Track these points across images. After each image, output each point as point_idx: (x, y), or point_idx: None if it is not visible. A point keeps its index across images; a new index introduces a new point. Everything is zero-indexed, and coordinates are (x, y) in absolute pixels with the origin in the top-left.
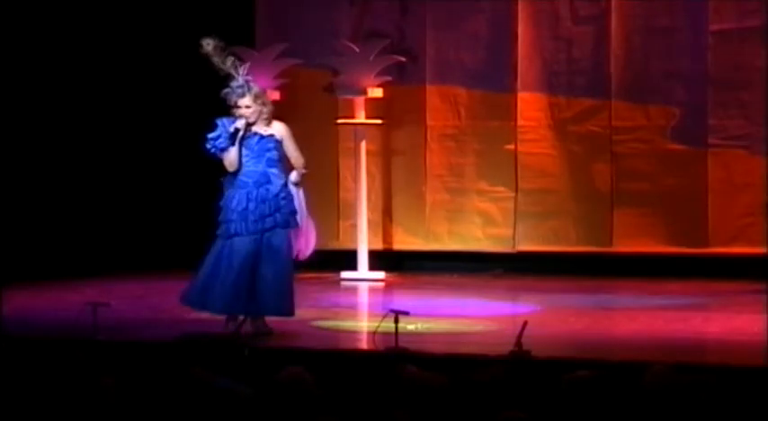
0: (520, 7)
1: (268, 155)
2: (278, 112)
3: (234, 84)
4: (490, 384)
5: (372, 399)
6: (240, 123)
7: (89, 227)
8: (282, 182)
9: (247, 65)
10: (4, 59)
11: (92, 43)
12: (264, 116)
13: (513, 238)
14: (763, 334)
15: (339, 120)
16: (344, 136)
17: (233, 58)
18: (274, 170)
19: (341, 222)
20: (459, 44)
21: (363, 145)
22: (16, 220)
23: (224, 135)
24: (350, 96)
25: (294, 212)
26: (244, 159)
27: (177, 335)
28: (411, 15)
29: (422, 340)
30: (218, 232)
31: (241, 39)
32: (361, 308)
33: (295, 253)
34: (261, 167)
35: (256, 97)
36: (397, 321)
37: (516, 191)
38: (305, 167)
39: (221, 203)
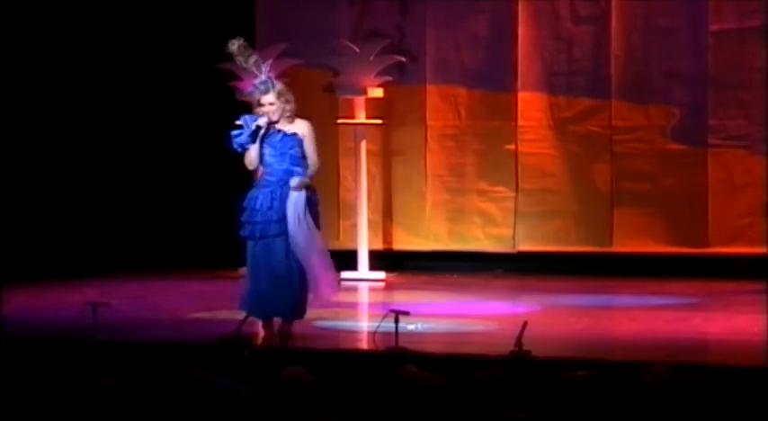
0: (520, 7)
1: (291, 152)
2: None
3: (257, 81)
4: (490, 384)
5: (372, 399)
6: (262, 121)
7: (89, 227)
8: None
9: (269, 62)
10: (6, 59)
11: (93, 43)
12: (288, 113)
13: (514, 238)
14: (763, 334)
15: (339, 121)
16: (345, 136)
17: (256, 57)
18: (298, 168)
19: (341, 222)
20: (460, 44)
21: (363, 145)
22: (16, 220)
23: (246, 132)
24: (350, 96)
25: (315, 215)
26: (267, 158)
27: (177, 335)
28: (411, 15)
29: (422, 340)
30: (244, 233)
31: (241, 38)
32: (362, 308)
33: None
34: (284, 165)
35: (280, 94)
36: (397, 321)
37: (516, 191)
38: (313, 174)
39: (244, 203)
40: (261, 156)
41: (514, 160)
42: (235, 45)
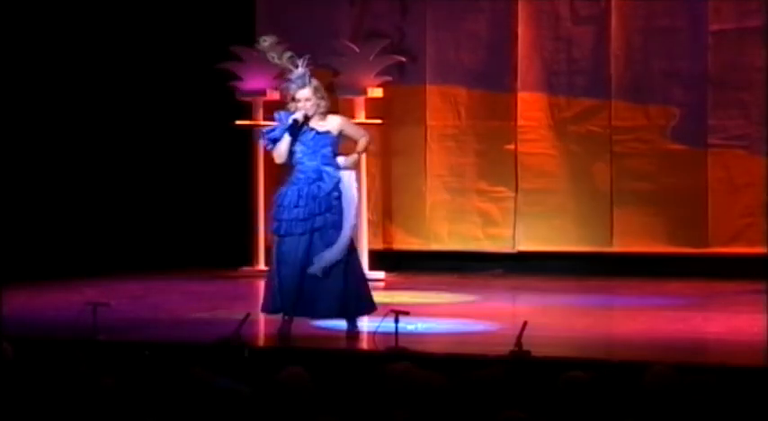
0: (520, 7)
1: (323, 151)
2: None
3: (293, 75)
4: (490, 384)
5: (371, 399)
6: (299, 115)
7: (89, 227)
8: (337, 180)
9: (306, 57)
10: (6, 60)
11: (93, 43)
12: (322, 110)
13: (513, 238)
14: (763, 334)
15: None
16: None
17: (291, 53)
18: (329, 168)
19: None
20: (460, 44)
21: None
22: (16, 220)
23: (280, 127)
24: (350, 96)
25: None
26: (299, 155)
27: (177, 335)
28: (411, 15)
29: (422, 340)
30: (272, 228)
31: (241, 38)
32: None
33: None
34: (315, 164)
35: (316, 90)
36: (397, 321)
37: (516, 191)
38: (367, 145)
39: (274, 199)
40: (292, 153)
41: (514, 160)
42: (267, 41)
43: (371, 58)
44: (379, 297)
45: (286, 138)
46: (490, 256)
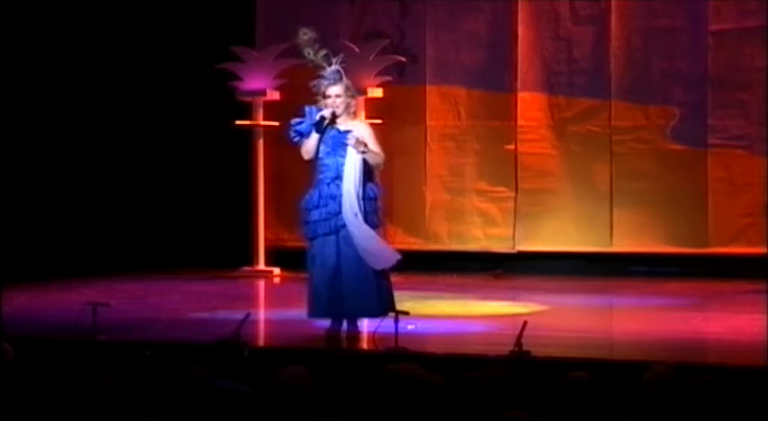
0: (520, 7)
1: (341, 150)
2: (278, 112)
3: (326, 72)
4: (490, 384)
5: (372, 400)
6: (327, 112)
7: (89, 227)
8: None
9: (341, 56)
10: (6, 60)
11: (93, 43)
12: (351, 109)
13: (513, 238)
14: (763, 334)
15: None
16: None
17: (326, 50)
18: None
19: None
20: (460, 44)
21: None
22: (16, 221)
23: (308, 121)
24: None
25: (371, 211)
26: (321, 154)
27: (177, 335)
28: (411, 15)
29: (422, 340)
30: (302, 233)
31: (241, 38)
32: None
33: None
34: (334, 162)
35: (347, 88)
36: (397, 321)
37: (516, 191)
38: (377, 164)
39: (301, 204)
40: (316, 149)
41: (514, 160)
42: (306, 35)
43: (371, 58)
44: None
45: (314, 136)
46: (490, 256)
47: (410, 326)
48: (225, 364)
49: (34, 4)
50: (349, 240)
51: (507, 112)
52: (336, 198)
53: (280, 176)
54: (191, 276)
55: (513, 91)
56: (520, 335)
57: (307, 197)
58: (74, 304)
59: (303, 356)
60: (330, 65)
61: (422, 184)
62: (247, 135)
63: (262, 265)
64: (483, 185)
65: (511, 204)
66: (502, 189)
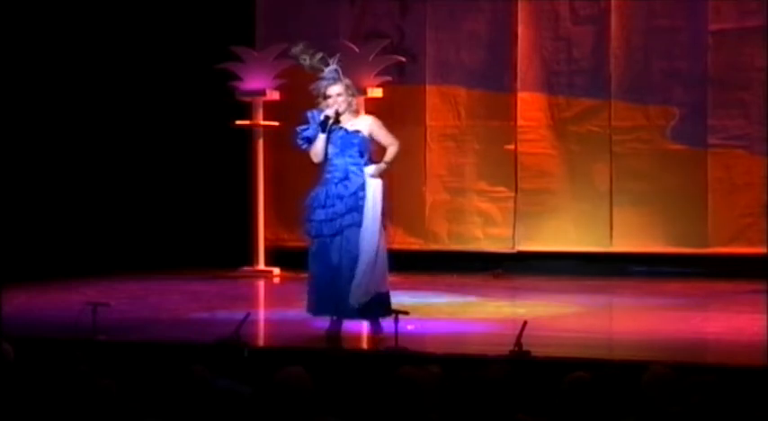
0: (520, 7)
1: (351, 151)
2: (277, 112)
3: (325, 72)
4: (490, 384)
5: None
6: (330, 111)
7: (89, 227)
8: (363, 180)
9: (338, 56)
10: (6, 60)
11: (93, 43)
12: (353, 108)
13: (513, 238)
14: (763, 334)
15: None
16: None
17: (322, 54)
18: (355, 167)
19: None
20: (459, 44)
21: None
22: (16, 221)
23: (313, 126)
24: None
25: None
26: (330, 154)
27: (177, 335)
28: (411, 15)
29: (421, 340)
30: (304, 230)
31: (241, 38)
32: None
33: None
34: (342, 163)
35: (347, 87)
36: (396, 321)
37: (516, 191)
38: (393, 156)
39: (306, 201)
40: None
41: (514, 160)
42: (298, 46)
43: (371, 58)
44: None
45: (321, 137)
46: (490, 256)
47: (410, 327)
48: (225, 364)
49: (35, 4)
50: (352, 240)
51: (507, 112)
52: (343, 198)
53: (279, 176)
54: (191, 276)
55: (512, 91)
56: (520, 335)
57: (313, 195)
58: (74, 304)
59: (303, 356)
60: (327, 65)
61: (421, 184)
62: (247, 135)
63: (261, 265)
64: (483, 185)
65: (511, 204)
66: (502, 189)
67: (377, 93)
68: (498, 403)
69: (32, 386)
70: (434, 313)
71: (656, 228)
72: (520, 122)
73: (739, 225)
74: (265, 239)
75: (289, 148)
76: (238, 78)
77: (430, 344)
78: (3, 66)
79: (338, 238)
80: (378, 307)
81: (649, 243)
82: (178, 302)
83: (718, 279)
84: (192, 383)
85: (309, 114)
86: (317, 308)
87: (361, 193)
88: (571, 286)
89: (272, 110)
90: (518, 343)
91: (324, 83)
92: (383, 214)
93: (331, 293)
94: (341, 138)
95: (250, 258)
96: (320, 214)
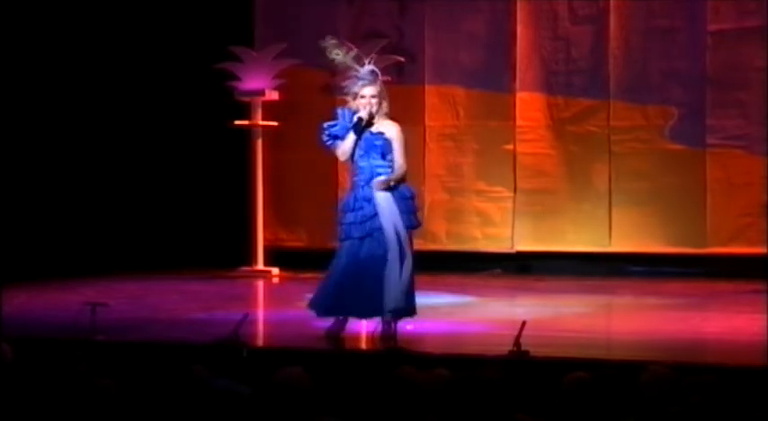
0: (518, 7)
1: (373, 153)
2: (276, 112)
3: (361, 72)
4: (489, 384)
5: (371, 400)
6: (364, 113)
7: (88, 227)
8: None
9: (373, 56)
10: (4, 60)
11: (92, 43)
12: (384, 110)
13: (512, 238)
14: (762, 334)
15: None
16: None
17: (357, 51)
18: (380, 169)
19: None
20: (458, 44)
21: None
22: (16, 221)
23: (341, 124)
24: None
25: (407, 212)
26: (355, 157)
27: (176, 335)
28: (410, 15)
29: (420, 340)
30: (337, 235)
31: (240, 38)
32: None
33: None
34: (368, 164)
35: (381, 89)
36: (396, 322)
37: (515, 191)
38: (398, 178)
39: (338, 207)
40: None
41: (513, 160)
42: (331, 40)
43: (370, 58)
44: None
45: (351, 137)
46: (489, 256)
47: (409, 327)
48: (224, 364)
49: (33, 4)
50: (381, 242)
51: (506, 112)
52: (371, 200)
53: (278, 176)
54: (189, 276)
55: (511, 91)
56: (518, 336)
57: (344, 200)
58: (72, 304)
59: (302, 356)
60: (362, 65)
61: (420, 184)
62: (246, 135)
63: (260, 265)
64: (481, 185)
65: (509, 204)
66: (500, 189)
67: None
68: (497, 403)
69: (31, 386)
70: (433, 313)
71: (654, 228)
72: (519, 122)
73: (738, 225)
74: (264, 239)
75: (287, 148)
76: (237, 78)
77: (429, 345)
78: (2, 66)
79: (368, 240)
80: (405, 307)
81: (648, 243)
82: (177, 302)
83: (717, 279)
84: (191, 383)
85: (340, 112)
86: (326, 309)
87: (397, 192)
88: (570, 286)
89: (270, 110)
90: (517, 343)
91: (360, 82)
92: (408, 217)
93: (352, 294)
94: (365, 140)
95: (249, 258)
96: (350, 217)
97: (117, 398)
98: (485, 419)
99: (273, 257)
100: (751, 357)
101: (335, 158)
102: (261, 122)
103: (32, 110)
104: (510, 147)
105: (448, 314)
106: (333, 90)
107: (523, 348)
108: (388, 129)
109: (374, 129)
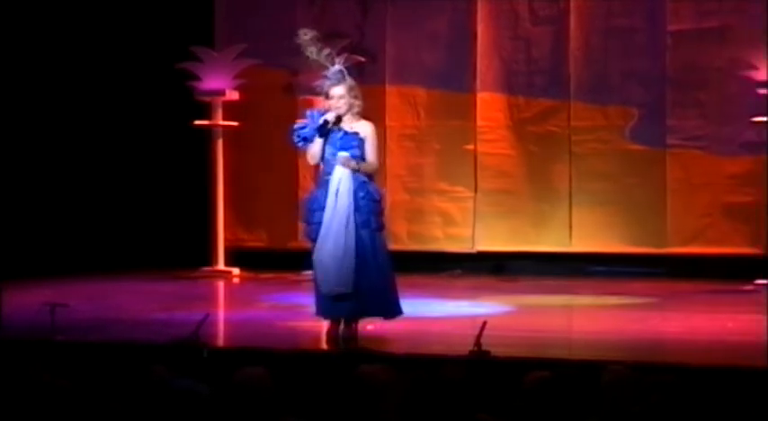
0: (479, 7)
1: (350, 153)
2: (237, 112)
3: (329, 72)
4: (449, 384)
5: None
6: (331, 115)
7: (48, 227)
8: (362, 180)
9: (344, 56)
10: None
11: (52, 42)
12: (355, 110)
13: (473, 238)
14: (720, 333)
15: (298, 121)
16: None
17: (330, 50)
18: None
19: (300, 222)
20: (419, 44)
21: None
22: None
23: (310, 125)
24: (309, 96)
25: (374, 213)
26: (327, 156)
27: (136, 335)
28: (371, 15)
29: (381, 340)
30: (305, 234)
31: (200, 38)
32: None
33: None
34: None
35: (350, 89)
36: (356, 322)
37: (476, 191)
38: (367, 173)
39: (306, 204)
40: (322, 152)
41: (474, 160)
42: (308, 35)
43: (341, 57)
44: None
45: (318, 140)
46: (450, 257)
47: (370, 327)
48: (184, 365)
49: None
50: (350, 239)
51: (467, 112)
52: (339, 201)
53: (239, 177)
54: (150, 276)
55: (472, 91)
56: (479, 335)
57: (312, 197)
58: (32, 305)
59: (263, 356)
60: (333, 64)
61: (381, 185)
62: (206, 135)
63: (221, 266)
64: (442, 185)
65: (470, 204)
66: (461, 189)
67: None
68: (458, 403)
69: None
70: None
71: (615, 228)
72: (479, 122)
73: (698, 225)
74: (225, 240)
75: (248, 148)
76: (198, 78)
77: (390, 345)
78: None
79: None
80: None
81: (608, 243)
82: (137, 303)
83: (676, 279)
84: (152, 384)
85: (309, 113)
86: (321, 310)
87: (360, 193)
88: (531, 286)
89: (231, 110)
90: (478, 343)
91: (327, 82)
92: (376, 219)
93: (336, 296)
94: (340, 139)
95: (209, 259)
96: (318, 216)
97: (75, 399)
98: (446, 419)
99: (234, 258)
100: (709, 357)
101: (296, 159)
102: (221, 122)
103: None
104: (471, 147)
105: (409, 314)
106: (293, 90)
107: (484, 348)
108: (363, 128)
109: (348, 128)
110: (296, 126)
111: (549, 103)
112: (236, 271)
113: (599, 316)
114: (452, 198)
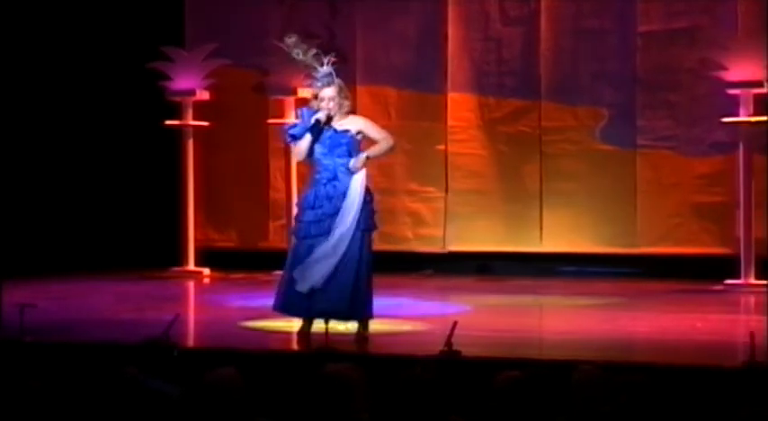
0: (450, 8)
1: (338, 150)
2: (207, 112)
3: (319, 73)
4: (420, 385)
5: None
6: (322, 115)
7: (16, 227)
8: (352, 179)
9: (331, 57)
10: None
11: (21, 41)
12: (345, 109)
13: (443, 239)
14: (690, 333)
15: (270, 121)
16: (275, 136)
17: (317, 50)
18: (343, 168)
19: (271, 222)
20: (390, 44)
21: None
22: None
23: (301, 124)
24: (280, 96)
25: (369, 214)
26: (317, 154)
27: (106, 335)
28: (341, 15)
29: (352, 340)
30: (293, 230)
31: (170, 38)
32: None
33: None
34: (331, 163)
35: (340, 89)
36: (327, 321)
37: (446, 191)
38: (388, 148)
39: (298, 202)
40: (311, 151)
41: (444, 160)
42: (293, 38)
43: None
44: None
45: (307, 138)
46: (420, 257)
47: (341, 327)
48: (154, 365)
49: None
50: (339, 242)
51: (437, 113)
52: (332, 199)
53: (209, 177)
54: (120, 277)
55: (442, 91)
56: (450, 335)
57: (303, 196)
58: None
59: (233, 357)
60: (321, 65)
61: None
62: (177, 135)
63: (191, 266)
64: (413, 186)
65: (441, 204)
66: (432, 189)
67: (307, 93)
68: (429, 404)
69: None
70: None
71: (585, 228)
72: (450, 123)
73: (668, 225)
74: (195, 240)
75: (219, 149)
76: (168, 78)
77: (360, 345)
78: None
79: (325, 237)
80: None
81: (579, 243)
82: (107, 303)
83: (646, 279)
84: (122, 384)
85: (300, 112)
86: (283, 306)
87: (368, 198)
88: (501, 286)
89: (201, 110)
90: (448, 343)
91: (317, 84)
92: (371, 219)
93: (312, 294)
94: (329, 138)
95: (180, 259)
96: (309, 215)
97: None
98: (417, 419)
99: (204, 258)
100: (678, 356)
101: (267, 159)
102: (192, 122)
103: None
104: (441, 147)
105: (378, 314)
106: (264, 90)
107: (455, 348)
108: (354, 124)
109: (338, 127)
110: (287, 126)
111: (520, 103)
112: (206, 271)
113: (569, 316)
114: (423, 198)
